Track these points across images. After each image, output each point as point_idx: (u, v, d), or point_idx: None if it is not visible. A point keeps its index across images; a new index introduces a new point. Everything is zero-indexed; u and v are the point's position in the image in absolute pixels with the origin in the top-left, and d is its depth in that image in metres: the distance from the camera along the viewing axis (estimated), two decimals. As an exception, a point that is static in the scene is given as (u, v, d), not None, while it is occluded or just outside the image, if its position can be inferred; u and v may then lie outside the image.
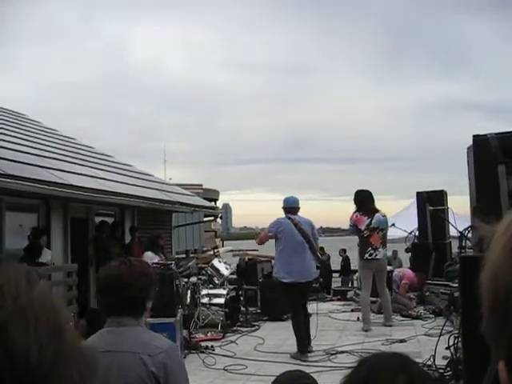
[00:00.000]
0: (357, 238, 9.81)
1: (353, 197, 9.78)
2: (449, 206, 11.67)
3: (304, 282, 7.78)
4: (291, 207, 8.10)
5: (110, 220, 11.63)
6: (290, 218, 7.96)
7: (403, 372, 1.24)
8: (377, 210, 9.61)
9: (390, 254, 14.12)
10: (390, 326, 9.41)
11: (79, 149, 13.53)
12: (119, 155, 15.79)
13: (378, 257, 9.41)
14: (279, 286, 8.03)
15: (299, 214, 8.19)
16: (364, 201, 9.56)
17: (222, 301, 9.87)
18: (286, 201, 8.17)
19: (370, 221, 9.46)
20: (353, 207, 9.83)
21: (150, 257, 9.98)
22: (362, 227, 9.47)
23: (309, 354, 7.68)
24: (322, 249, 19.25)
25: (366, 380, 1.24)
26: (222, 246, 21.16)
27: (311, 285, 8.25)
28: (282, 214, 8.18)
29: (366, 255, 9.46)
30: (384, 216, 9.75)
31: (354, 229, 9.66)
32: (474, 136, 4.60)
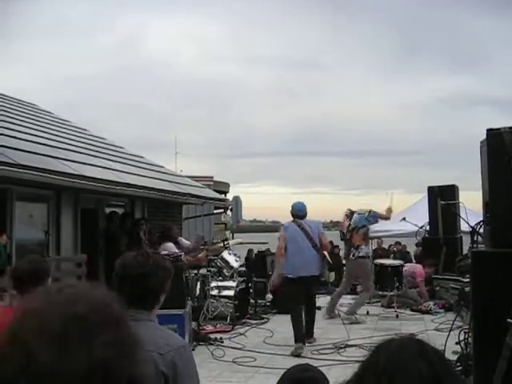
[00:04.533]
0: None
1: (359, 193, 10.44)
2: (460, 200, 11.60)
3: (307, 276, 7.95)
4: (297, 214, 8.35)
5: (120, 211, 11.66)
6: (294, 221, 8.28)
7: (423, 358, 1.23)
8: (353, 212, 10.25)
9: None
10: (350, 321, 9.38)
11: (91, 140, 13.54)
12: (131, 147, 15.80)
13: (360, 254, 9.83)
14: (285, 280, 8.17)
15: (307, 218, 8.41)
16: None
17: (231, 293, 9.88)
18: (293, 207, 8.42)
19: (349, 223, 10.11)
20: (363, 201, 10.15)
21: (170, 247, 9.58)
22: (345, 231, 10.23)
23: (319, 348, 7.68)
24: (330, 242, 19.28)
25: (384, 367, 1.22)
26: (232, 238, 21.18)
27: (314, 280, 8.32)
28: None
29: (350, 255, 9.95)
30: (360, 214, 10.15)
31: (342, 235, 10.59)
32: (487, 130, 4.54)
